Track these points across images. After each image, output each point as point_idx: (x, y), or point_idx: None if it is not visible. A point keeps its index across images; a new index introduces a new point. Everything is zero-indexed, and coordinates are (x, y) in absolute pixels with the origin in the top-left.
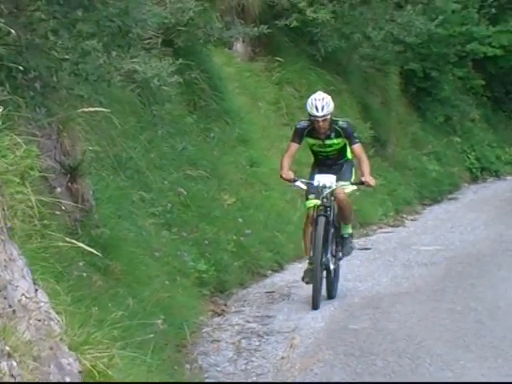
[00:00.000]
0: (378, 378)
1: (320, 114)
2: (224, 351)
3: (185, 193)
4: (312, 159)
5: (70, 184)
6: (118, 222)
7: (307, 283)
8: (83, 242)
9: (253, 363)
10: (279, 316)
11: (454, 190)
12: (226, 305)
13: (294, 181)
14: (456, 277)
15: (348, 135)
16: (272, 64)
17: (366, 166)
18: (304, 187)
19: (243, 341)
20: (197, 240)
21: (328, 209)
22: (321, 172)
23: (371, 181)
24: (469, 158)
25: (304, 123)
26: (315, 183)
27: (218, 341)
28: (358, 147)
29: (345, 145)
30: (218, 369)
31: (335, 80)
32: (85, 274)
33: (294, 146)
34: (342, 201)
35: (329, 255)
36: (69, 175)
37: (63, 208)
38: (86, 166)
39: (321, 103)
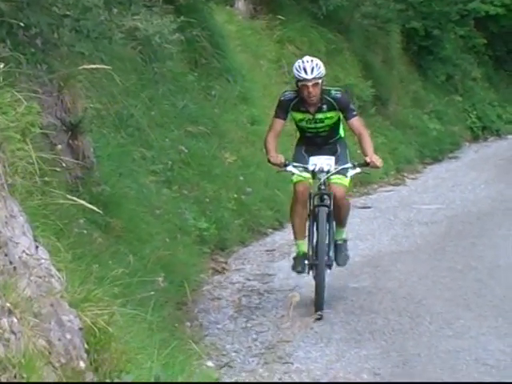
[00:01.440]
0: (378, 336)
1: (310, 76)
2: (224, 309)
3: (186, 150)
4: (295, 138)
5: (70, 141)
6: (118, 180)
7: (299, 273)
8: (84, 200)
9: (253, 321)
10: (279, 274)
11: (455, 149)
12: (226, 263)
13: (285, 165)
14: (456, 235)
15: (343, 107)
16: (273, 22)
17: (368, 144)
18: (298, 172)
19: (243, 299)
20: (197, 198)
21: (327, 197)
22: (309, 153)
23: (377, 161)
24: (470, 116)
25: (290, 94)
26: (310, 167)
27: (219, 298)
28: (356, 121)
29: (338, 119)
30: (219, 326)
31: (337, 38)
32: (85, 232)
33: (279, 122)
34: (339, 199)
35: (331, 252)
36: (70, 132)
37: (64, 165)
38: (87, 123)
39: (310, 64)
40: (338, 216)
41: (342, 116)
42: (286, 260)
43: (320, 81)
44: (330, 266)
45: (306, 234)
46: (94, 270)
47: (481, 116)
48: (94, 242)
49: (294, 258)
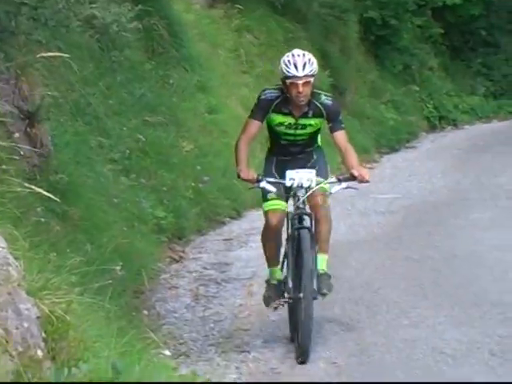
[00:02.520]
0: (335, 325)
1: (301, 73)
2: (182, 298)
3: (143, 139)
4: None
5: (28, 129)
6: (76, 168)
7: (275, 309)
8: (41, 188)
9: (210, 310)
10: (237, 263)
11: (412, 139)
12: (183, 251)
13: (258, 181)
14: (413, 225)
15: (332, 117)
16: (231, 11)
17: (353, 157)
18: (273, 189)
19: (201, 287)
20: (155, 187)
21: (307, 218)
22: (282, 165)
23: (366, 174)
24: (427, 106)
25: (272, 93)
26: (288, 183)
27: (176, 287)
28: (342, 135)
29: (319, 129)
30: (176, 315)
31: (294, 28)
32: (43, 220)
33: (256, 125)
34: (321, 217)
35: (315, 283)
36: (27, 120)
37: (22, 153)
38: (45, 111)
39: (301, 59)
40: (318, 234)
41: (327, 126)
42: (243, 249)
43: (312, 79)
44: (315, 298)
45: (281, 259)
46: (52, 259)
47: (437, 106)
48: (52, 231)
49: (267, 289)
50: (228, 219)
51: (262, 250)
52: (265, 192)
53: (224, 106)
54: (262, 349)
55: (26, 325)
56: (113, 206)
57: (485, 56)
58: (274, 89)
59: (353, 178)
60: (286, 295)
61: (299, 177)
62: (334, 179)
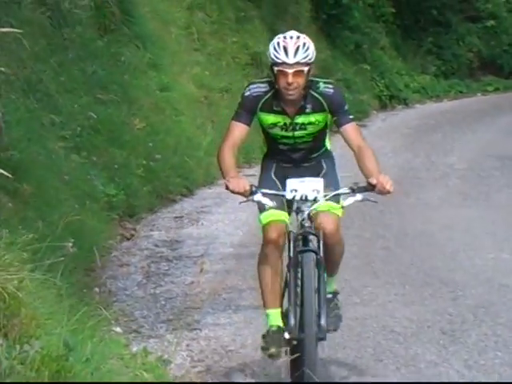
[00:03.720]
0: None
1: (291, 59)
2: (133, 275)
3: (95, 117)
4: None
5: None
6: (27, 145)
7: (271, 357)
8: None
9: (162, 287)
10: (188, 241)
11: (363, 118)
12: (135, 229)
13: (252, 193)
14: (364, 204)
15: (336, 108)
16: None
17: (372, 160)
18: (270, 203)
19: (152, 265)
20: (106, 164)
21: (313, 239)
22: (283, 175)
23: (387, 183)
24: (378, 85)
25: (259, 87)
26: (289, 195)
27: (127, 265)
28: (353, 128)
29: (325, 125)
30: (127, 292)
31: (246, 6)
32: None
33: (242, 128)
34: (330, 235)
35: (323, 319)
36: None
37: None
38: None
39: (294, 43)
40: (329, 261)
41: (333, 120)
42: (194, 227)
43: (306, 68)
44: (322, 339)
45: (284, 296)
46: (3, 236)
47: (388, 85)
48: (3, 208)
49: (265, 336)
50: (179, 197)
51: (214, 229)
52: (260, 204)
53: (176, 83)
54: (213, 326)
55: None
56: (64, 184)
57: (436, 35)
58: (262, 82)
59: (371, 187)
60: (286, 335)
61: (303, 187)
62: (346, 189)
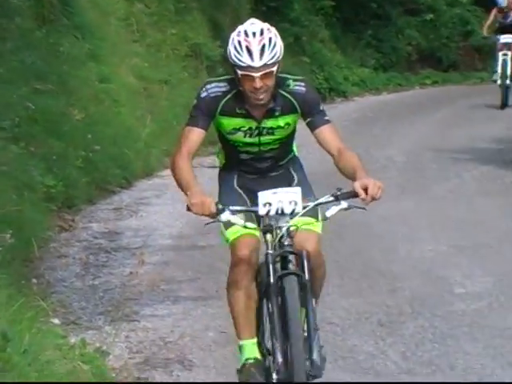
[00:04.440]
0: (223, 294)
1: (258, 62)
2: (71, 267)
3: (33, 107)
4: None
5: None
6: None
7: None
8: None
9: (100, 279)
10: (127, 232)
11: None
12: (73, 220)
13: (220, 212)
14: None
15: (309, 108)
16: None
17: (354, 159)
18: (241, 222)
19: (91, 256)
20: (45, 155)
21: (293, 259)
22: (248, 182)
23: (375, 186)
24: (317, 78)
25: (217, 87)
26: (261, 210)
27: (66, 256)
28: (330, 131)
29: (293, 131)
30: (65, 284)
31: None
32: None
33: (196, 134)
34: (314, 258)
35: (315, 353)
36: None
37: None
38: None
39: (258, 42)
40: (313, 283)
41: (305, 123)
42: (133, 218)
43: (275, 68)
44: (316, 376)
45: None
46: None
47: (328, 77)
48: None
49: (240, 371)
50: (118, 189)
51: (153, 220)
52: (225, 225)
53: (115, 74)
54: (152, 318)
55: None
56: (2, 174)
57: (375, 28)
58: (220, 80)
59: (356, 194)
60: (274, 377)
61: (277, 199)
62: (328, 197)
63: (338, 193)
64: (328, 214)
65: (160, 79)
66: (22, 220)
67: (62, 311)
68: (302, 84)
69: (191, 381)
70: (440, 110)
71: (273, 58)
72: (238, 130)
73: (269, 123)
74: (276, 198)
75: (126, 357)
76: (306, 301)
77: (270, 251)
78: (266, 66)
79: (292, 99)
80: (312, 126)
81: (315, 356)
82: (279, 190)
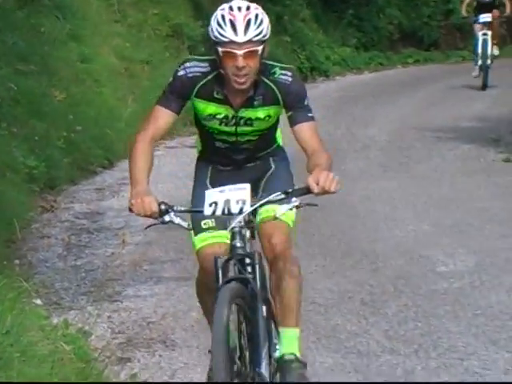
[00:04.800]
0: None
1: (242, 37)
2: (53, 247)
3: (15, 88)
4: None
5: None
6: None
7: None
8: None
9: (82, 259)
10: (109, 213)
11: None
12: (55, 201)
13: (165, 213)
14: None
15: (292, 102)
16: None
17: (321, 159)
18: (185, 225)
19: (73, 237)
20: (27, 136)
21: (246, 263)
22: (221, 176)
23: (327, 179)
24: (299, 57)
25: (197, 67)
26: (207, 210)
27: (48, 237)
28: (309, 128)
29: (277, 121)
30: (47, 264)
31: None
32: None
33: (166, 116)
34: (280, 252)
35: (263, 366)
36: None
37: None
38: None
39: (244, 16)
40: (280, 301)
41: (286, 116)
42: (115, 199)
43: (260, 48)
44: None
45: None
46: None
47: (309, 57)
48: None
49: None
50: (100, 169)
51: None
52: (194, 221)
53: (97, 55)
54: (134, 298)
55: None
56: None
57: (356, 7)
58: (201, 60)
59: (309, 190)
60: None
61: (224, 199)
62: (278, 194)
63: (290, 190)
64: (278, 213)
65: (141, 59)
66: (4, 201)
67: (44, 292)
68: (289, 73)
69: (175, 363)
70: (422, 89)
71: (258, 34)
72: (214, 117)
73: (247, 113)
74: (222, 197)
75: (109, 337)
76: (254, 309)
77: (220, 256)
78: (250, 42)
79: (275, 89)
80: (292, 121)
81: (263, 368)
82: (227, 187)
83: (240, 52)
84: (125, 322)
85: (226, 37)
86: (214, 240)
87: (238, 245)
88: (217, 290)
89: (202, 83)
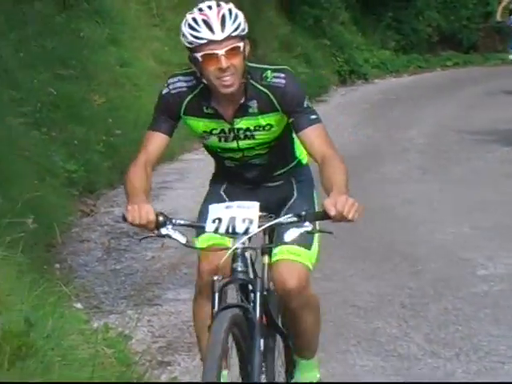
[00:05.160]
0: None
1: (220, 34)
2: (93, 251)
3: (54, 93)
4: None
5: None
6: None
7: None
8: None
9: (122, 263)
10: None
11: (323, 93)
12: (95, 205)
13: (162, 225)
14: None
15: (290, 106)
16: None
17: (336, 171)
18: (183, 240)
19: (112, 241)
20: (66, 140)
21: (248, 288)
22: (238, 194)
23: (348, 202)
24: (338, 60)
25: (180, 82)
26: (209, 226)
27: (88, 241)
28: (316, 131)
29: (287, 129)
30: (87, 268)
31: None
32: None
33: (158, 140)
34: (294, 297)
35: None
36: None
37: None
38: None
39: (217, 13)
40: (296, 335)
41: (289, 122)
42: (154, 202)
43: (241, 44)
44: None
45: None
46: None
47: (348, 60)
48: None
49: None
50: None
51: (174, 204)
52: (197, 231)
53: (136, 59)
54: (174, 302)
55: None
56: (24, 159)
57: (395, 10)
58: (185, 74)
59: (326, 216)
60: None
61: (229, 216)
62: (290, 217)
63: (303, 213)
64: (286, 237)
65: (180, 63)
66: (44, 205)
67: (84, 296)
68: (282, 75)
69: None
70: (461, 91)
71: (236, 29)
72: (210, 133)
73: (242, 123)
74: (228, 214)
75: (149, 341)
76: (252, 340)
77: (218, 277)
78: (230, 38)
79: (269, 94)
80: (295, 127)
81: None
82: (235, 203)
83: (221, 51)
84: (165, 325)
85: (202, 38)
86: (213, 241)
87: (239, 269)
88: (212, 317)
89: (188, 99)
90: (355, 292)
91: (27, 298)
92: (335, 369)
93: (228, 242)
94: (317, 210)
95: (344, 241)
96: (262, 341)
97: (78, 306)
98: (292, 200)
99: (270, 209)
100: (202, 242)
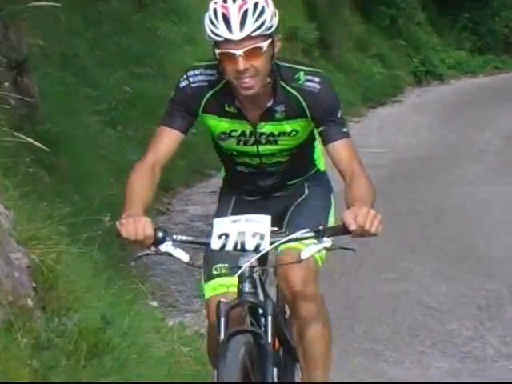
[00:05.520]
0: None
1: (238, 34)
2: None
3: (130, 91)
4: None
5: (17, 79)
6: (63, 119)
7: None
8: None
9: (197, 262)
10: None
11: (398, 93)
12: (170, 204)
13: (161, 241)
14: (400, 179)
15: (322, 114)
16: None
17: (361, 187)
18: (185, 259)
19: None
20: (142, 138)
21: (257, 313)
22: (246, 208)
23: (369, 214)
24: (413, 61)
25: (202, 75)
26: (215, 243)
27: None
28: (345, 146)
29: (311, 136)
30: (163, 267)
31: None
32: (31, 170)
33: (171, 137)
34: (305, 315)
35: None
36: (15, 70)
37: (13, 103)
38: (33, 61)
39: (238, 8)
40: (302, 348)
41: (317, 131)
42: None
43: (266, 44)
44: None
45: None
46: (41, 209)
47: (424, 60)
48: (41, 181)
49: None
50: (214, 172)
51: None
52: (205, 261)
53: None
54: None
55: (16, 274)
56: (100, 158)
57: (472, 11)
58: (208, 66)
59: (346, 229)
60: None
61: (237, 231)
62: (307, 232)
63: (320, 227)
64: (303, 255)
65: None
66: (120, 204)
67: (159, 294)
68: (316, 80)
69: None
70: None
71: (259, 28)
72: (229, 135)
73: (268, 128)
74: (236, 229)
75: None
76: (263, 369)
77: (224, 300)
78: (249, 39)
79: (300, 98)
80: (325, 138)
81: None
82: (242, 217)
83: (239, 52)
84: None
85: (219, 35)
86: (222, 290)
87: (247, 290)
88: (219, 345)
89: (209, 95)
90: (430, 293)
91: (104, 296)
92: (410, 370)
93: (231, 287)
94: (330, 217)
95: (419, 242)
96: (275, 370)
97: (154, 304)
98: (302, 198)
99: (278, 215)
100: (207, 290)
